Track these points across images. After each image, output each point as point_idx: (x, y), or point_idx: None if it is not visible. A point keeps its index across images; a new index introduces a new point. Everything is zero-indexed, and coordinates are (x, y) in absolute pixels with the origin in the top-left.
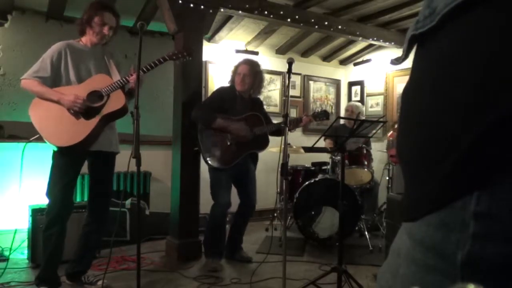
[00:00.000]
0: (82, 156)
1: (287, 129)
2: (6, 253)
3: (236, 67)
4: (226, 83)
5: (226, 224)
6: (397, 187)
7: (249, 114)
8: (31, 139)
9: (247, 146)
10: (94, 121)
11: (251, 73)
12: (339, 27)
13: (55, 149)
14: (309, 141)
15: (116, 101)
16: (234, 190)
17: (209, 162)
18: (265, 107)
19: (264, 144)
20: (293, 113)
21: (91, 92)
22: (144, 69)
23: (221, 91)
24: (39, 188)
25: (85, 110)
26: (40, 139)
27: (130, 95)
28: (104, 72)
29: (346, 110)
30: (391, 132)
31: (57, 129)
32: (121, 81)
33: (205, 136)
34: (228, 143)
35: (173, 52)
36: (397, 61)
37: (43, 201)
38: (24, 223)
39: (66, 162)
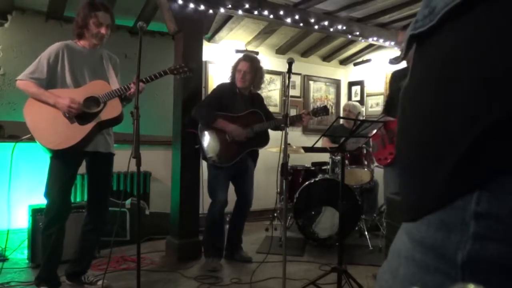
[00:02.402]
0: (79, 157)
1: (287, 129)
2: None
3: (236, 64)
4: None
5: (225, 224)
6: (386, 189)
7: (249, 111)
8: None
9: (248, 143)
10: (89, 126)
11: (251, 70)
12: (339, 27)
13: (46, 151)
14: (309, 141)
15: (113, 109)
16: (231, 188)
17: (209, 159)
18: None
19: (264, 141)
20: (293, 113)
21: (88, 97)
22: (144, 80)
23: (221, 88)
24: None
25: (80, 115)
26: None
27: (127, 100)
28: (101, 76)
29: (344, 109)
30: (373, 133)
31: (50, 132)
32: (121, 89)
33: (206, 133)
34: (228, 141)
35: (175, 67)
36: (395, 60)
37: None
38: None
39: (63, 163)
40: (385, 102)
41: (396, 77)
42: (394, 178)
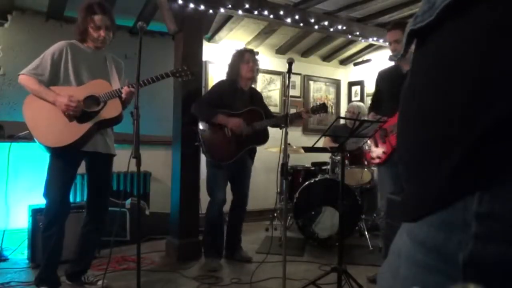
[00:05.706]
0: (78, 157)
1: (287, 129)
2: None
3: (241, 56)
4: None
5: (224, 223)
6: (381, 188)
7: (249, 109)
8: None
9: (247, 141)
10: (87, 125)
11: (255, 61)
12: (339, 27)
13: (44, 149)
14: (309, 141)
15: (113, 109)
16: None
17: (209, 156)
18: None
19: (264, 138)
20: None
21: (88, 96)
22: (145, 81)
23: (221, 85)
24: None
25: (79, 114)
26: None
27: (123, 105)
28: (103, 76)
29: (348, 111)
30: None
31: (48, 130)
32: (119, 90)
33: (206, 131)
34: (228, 138)
35: (177, 70)
36: (395, 56)
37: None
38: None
39: (62, 163)
40: (372, 100)
41: (382, 76)
42: (390, 177)
